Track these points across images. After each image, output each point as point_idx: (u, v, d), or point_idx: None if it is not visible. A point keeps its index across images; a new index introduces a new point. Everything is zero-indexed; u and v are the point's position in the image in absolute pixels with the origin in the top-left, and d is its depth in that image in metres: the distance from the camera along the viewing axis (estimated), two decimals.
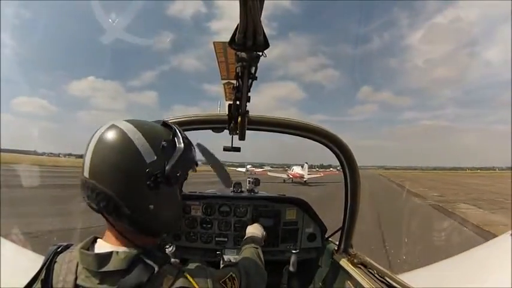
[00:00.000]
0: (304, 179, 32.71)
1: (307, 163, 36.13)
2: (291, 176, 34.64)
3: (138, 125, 0.80)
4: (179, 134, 0.85)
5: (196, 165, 0.91)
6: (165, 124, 0.88)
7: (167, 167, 0.79)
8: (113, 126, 0.79)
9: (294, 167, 36.07)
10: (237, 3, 0.66)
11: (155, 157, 0.78)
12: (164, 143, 0.80)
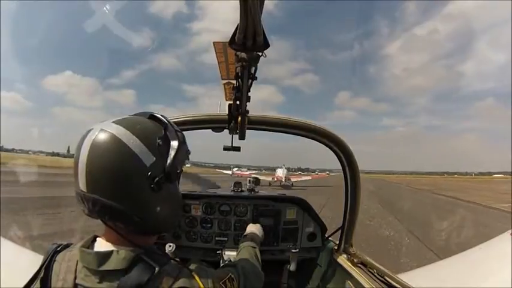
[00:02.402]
0: (284, 182, 32.70)
1: (284, 165, 35.97)
2: (276, 179, 34.56)
3: (129, 126, 0.76)
4: (171, 127, 0.82)
5: (189, 153, 0.88)
6: (153, 117, 0.84)
7: (167, 165, 0.78)
8: (103, 132, 0.74)
9: (278, 170, 35.83)
10: (237, 3, 0.66)
11: (154, 158, 0.76)
12: (159, 141, 0.78)
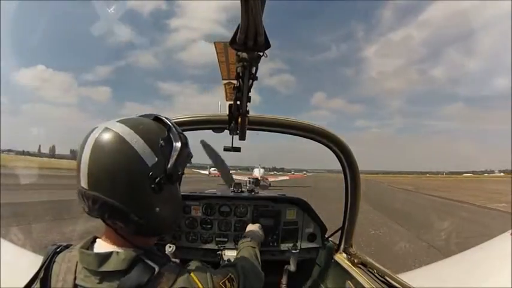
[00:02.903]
0: (261, 182, 32.04)
1: (260, 165, 35.42)
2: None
3: (133, 126, 0.77)
4: (174, 129, 0.83)
5: (192, 156, 0.88)
6: (157, 119, 0.85)
7: (168, 167, 0.78)
8: (107, 130, 0.75)
9: (255, 170, 34.90)
10: (239, 3, 0.66)
11: (156, 159, 0.76)
12: (162, 141, 0.78)
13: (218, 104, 1.66)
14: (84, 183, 0.74)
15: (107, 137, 0.74)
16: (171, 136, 0.81)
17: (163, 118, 0.85)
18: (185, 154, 0.82)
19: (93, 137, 0.75)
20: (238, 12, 0.69)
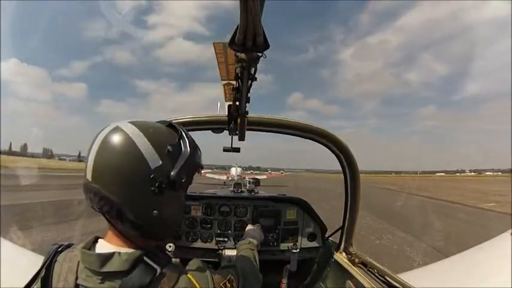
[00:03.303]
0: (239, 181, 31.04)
1: (237, 164, 34.92)
2: (231, 178, 31.56)
3: (143, 128, 0.79)
4: (185, 137, 0.84)
5: (202, 168, 0.89)
6: (170, 125, 0.87)
7: (172, 173, 0.78)
8: (117, 129, 0.78)
9: (232, 169, 33.60)
10: (237, 4, 0.66)
11: (160, 162, 0.77)
12: (169, 147, 0.79)
13: (218, 105, 1.66)
14: (89, 175, 0.76)
15: (115, 134, 0.77)
16: (181, 143, 0.83)
17: (177, 126, 0.86)
18: (192, 163, 0.83)
19: (103, 134, 0.77)
20: (237, 12, 0.69)
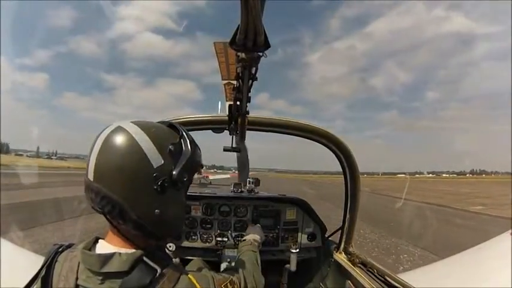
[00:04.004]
0: (201, 180, 30.63)
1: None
2: None
3: (145, 127, 0.79)
4: (186, 137, 0.85)
5: (202, 167, 0.90)
6: (171, 125, 0.87)
7: (174, 172, 0.79)
8: (119, 129, 0.78)
9: None
10: (238, 4, 0.66)
11: (162, 161, 0.77)
12: (171, 146, 0.80)
13: (218, 104, 1.66)
14: (90, 175, 0.76)
15: (118, 134, 0.77)
16: (182, 143, 0.83)
17: (177, 125, 0.87)
18: (193, 162, 0.84)
19: (106, 133, 0.78)
20: (238, 12, 0.69)
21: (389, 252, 7.90)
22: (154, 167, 0.76)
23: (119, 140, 0.76)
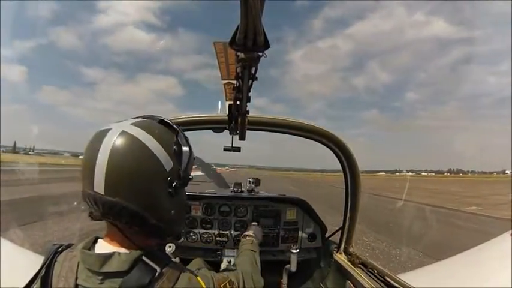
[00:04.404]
0: None
1: None
2: None
3: (150, 131, 0.77)
4: (181, 134, 0.86)
5: (194, 159, 0.91)
6: (163, 122, 0.85)
7: (181, 171, 0.80)
8: (124, 134, 0.74)
9: None
10: (238, 3, 0.66)
11: (172, 164, 0.78)
12: (175, 147, 0.81)
13: (218, 104, 1.66)
14: (99, 188, 0.72)
15: (126, 141, 0.73)
16: (180, 141, 0.84)
17: (170, 122, 0.86)
18: (192, 158, 0.85)
19: (110, 141, 0.73)
20: (238, 12, 0.69)
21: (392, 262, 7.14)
22: (168, 171, 0.77)
23: (130, 147, 0.73)
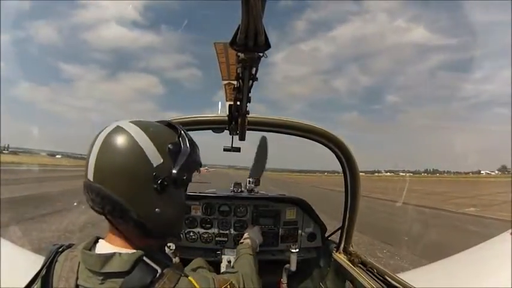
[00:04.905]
0: None
1: None
2: None
3: (143, 127, 0.80)
4: (185, 136, 0.86)
5: (201, 166, 0.91)
6: (170, 125, 0.88)
7: (174, 171, 0.79)
8: (118, 128, 0.79)
9: None
10: (239, 4, 0.66)
11: (162, 160, 0.78)
12: (170, 145, 0.81)
13: (218, 105, 1.66)
14: (90, 175, 0.76)
15: (117, 134, 0.78)
16: (180, 142, 0.84)
17: (176, 125, 0.88)
18: (192, 161, 0.84)
19: (105, 133, 0.78)
20: (239, 12, 0.68)
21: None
22: (154, 166, 0.77)
23: (119, 139, 0.77)
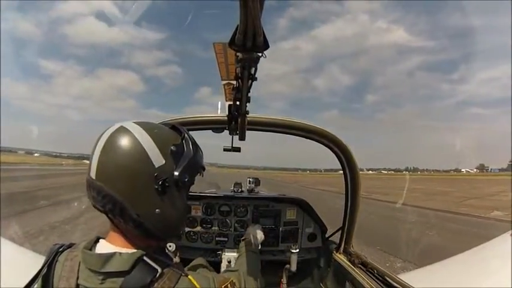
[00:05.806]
0: None
1: None
2: None
3: (147, 128, 0.81)
4: (188, 138, 0.86)
5: (204, 169, 0.91)
6: (174, 127, 0.89)
7: (176, 172, 0.80)
8: (122, 128, 0.80)
9: None
10: (237, 4, 0.66)
11: (164, 161, 0.79)
12: (173, 147, 0.81)
13: (218, 105, 1.66)
14: (93, 173, 0.77)
15: (120, 134, 0.79)
16: (184, 144, 0.84)
17: (180, 127, 0.89)
18: (195, 163, 0.85)
19: (108, 133, 0.80)
20: (237, 12, 0.69)
21: None
22: (156, 167, 0.77)
23: (122, 139, 0.77)
